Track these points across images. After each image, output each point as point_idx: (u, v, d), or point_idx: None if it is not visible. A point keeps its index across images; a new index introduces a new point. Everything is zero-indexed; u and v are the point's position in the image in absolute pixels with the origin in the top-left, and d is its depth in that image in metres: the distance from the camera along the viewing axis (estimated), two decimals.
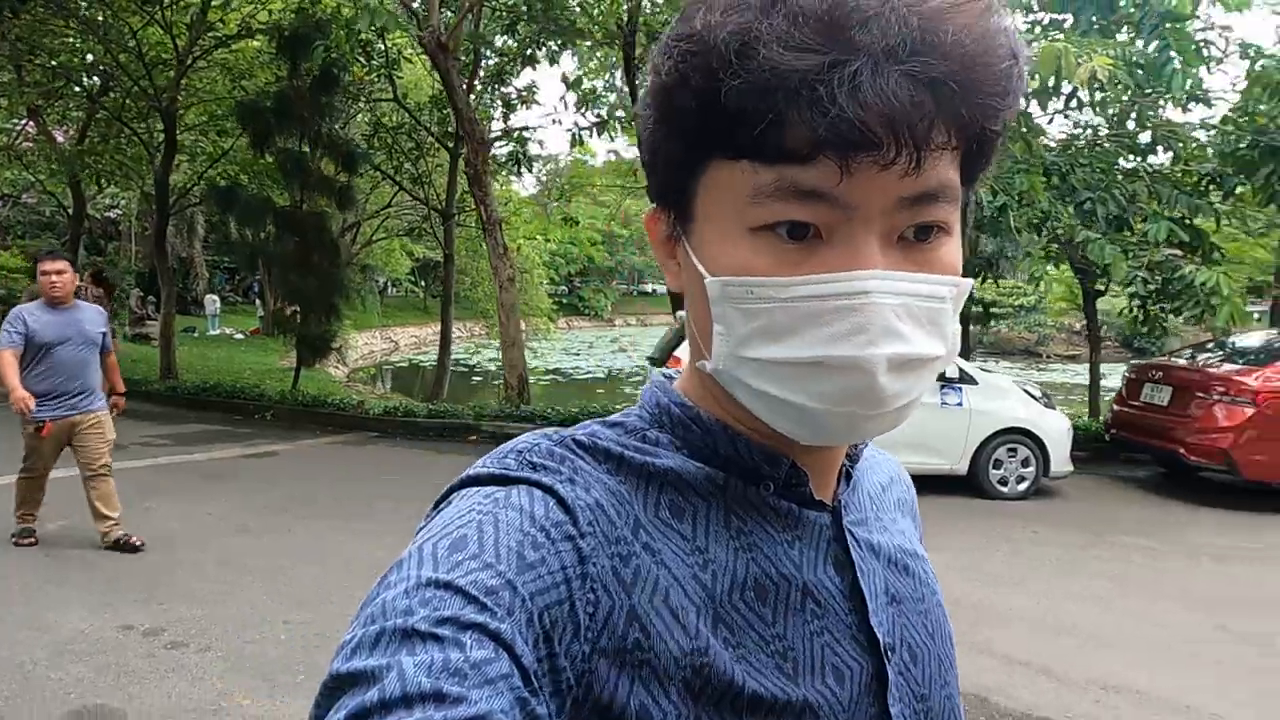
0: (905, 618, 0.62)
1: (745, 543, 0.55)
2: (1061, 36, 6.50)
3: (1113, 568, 5.46)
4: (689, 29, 0.49)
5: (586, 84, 13.22)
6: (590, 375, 24.08)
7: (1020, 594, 4.89)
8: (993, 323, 28.65)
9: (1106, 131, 8.37)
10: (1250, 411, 6.98)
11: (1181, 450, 7.31)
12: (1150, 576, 5.34)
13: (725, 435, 0.58)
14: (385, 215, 19.43)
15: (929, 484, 7.18)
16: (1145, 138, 8.33)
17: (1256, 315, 17.47)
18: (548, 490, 0.51)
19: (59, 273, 4.82)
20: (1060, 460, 7.28)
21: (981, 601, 4.71)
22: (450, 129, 12.93)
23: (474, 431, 9.47)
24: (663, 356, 7.67)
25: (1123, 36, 7.46)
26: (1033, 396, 7.50)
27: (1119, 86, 6.76)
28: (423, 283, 35.64)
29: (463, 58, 11.67)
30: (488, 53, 13.03)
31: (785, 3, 0.46)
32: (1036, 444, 7.22)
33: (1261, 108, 7.76)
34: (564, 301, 44.61)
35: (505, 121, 14.29)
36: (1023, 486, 7.24)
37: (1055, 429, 7.30)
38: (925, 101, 0.45)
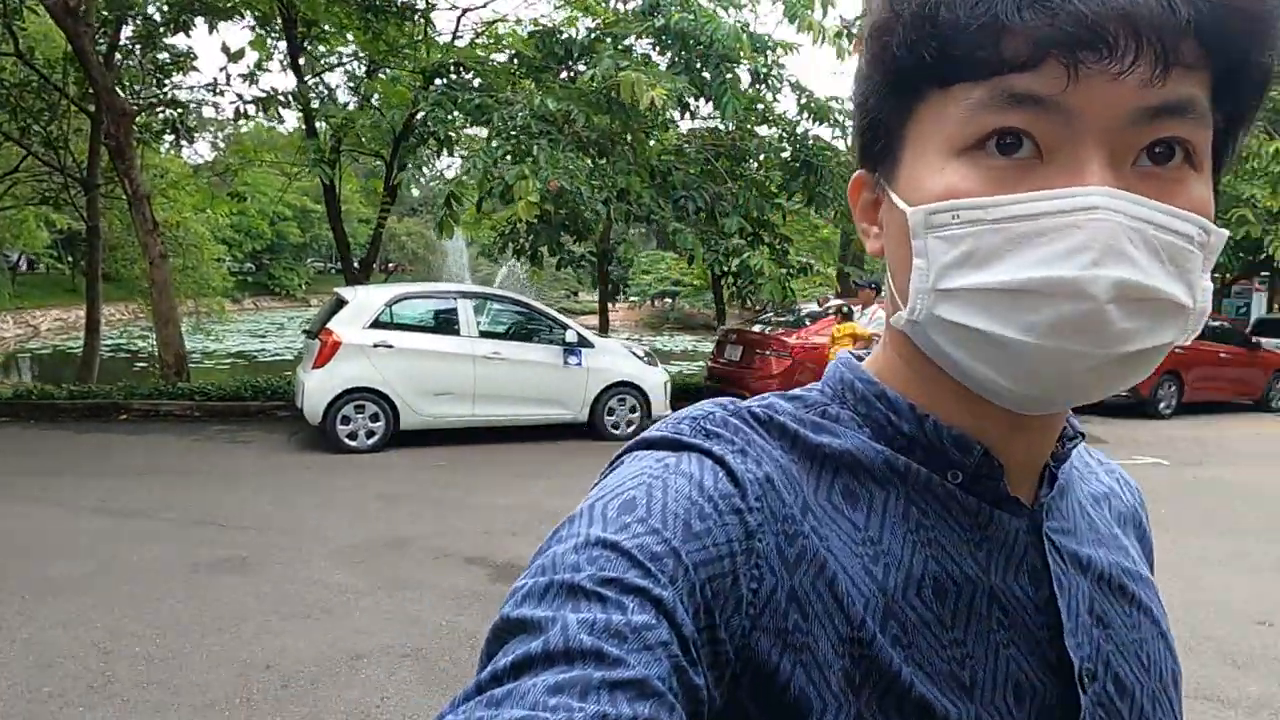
0: (1114, 645, 0.55)
1: (925, 537, 0.51)
2: (645, 67, 8.14)
3: None
4: None
5: (251, 55, 12.96)
6: (278, 358, 23.13)
7: None
8: (679, 299, 32.11)
9: (699, 141, 10.34)
10: (789, 362, 9.31)
11: (746, 393, 9.44)
12: None
13: (912, 414, 0.53)
14: (12, 181, 17.14)
15: (557, 431, 8.64)
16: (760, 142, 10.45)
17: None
18: (718, 460, 0.50)
19: None
20: (659, 406, 9.07)
21: None
22: (90, 90, 12.02)
23: (124, 410, 9.27)
24: (315, 329, 8.25)
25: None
26: (638, 356, 9.23)
27: (678, 108, 8.63)
28: (70, 259, 31.30)
29: (105, 13, 10.96)
30: (133, 14, 12.26)
31: None
32: (640, 394, 8.94)
33: (802, 129, 10.16)
34: (250, 280, 41.53)
35: (159, 87, 13.48)
36: (631, 428, 8.93)
37: (655, 382, 9.08)
38: (1178, 5, 0.41)
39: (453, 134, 9.05)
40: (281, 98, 10.76)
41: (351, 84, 11.85)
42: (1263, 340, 13.28)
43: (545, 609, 0.42)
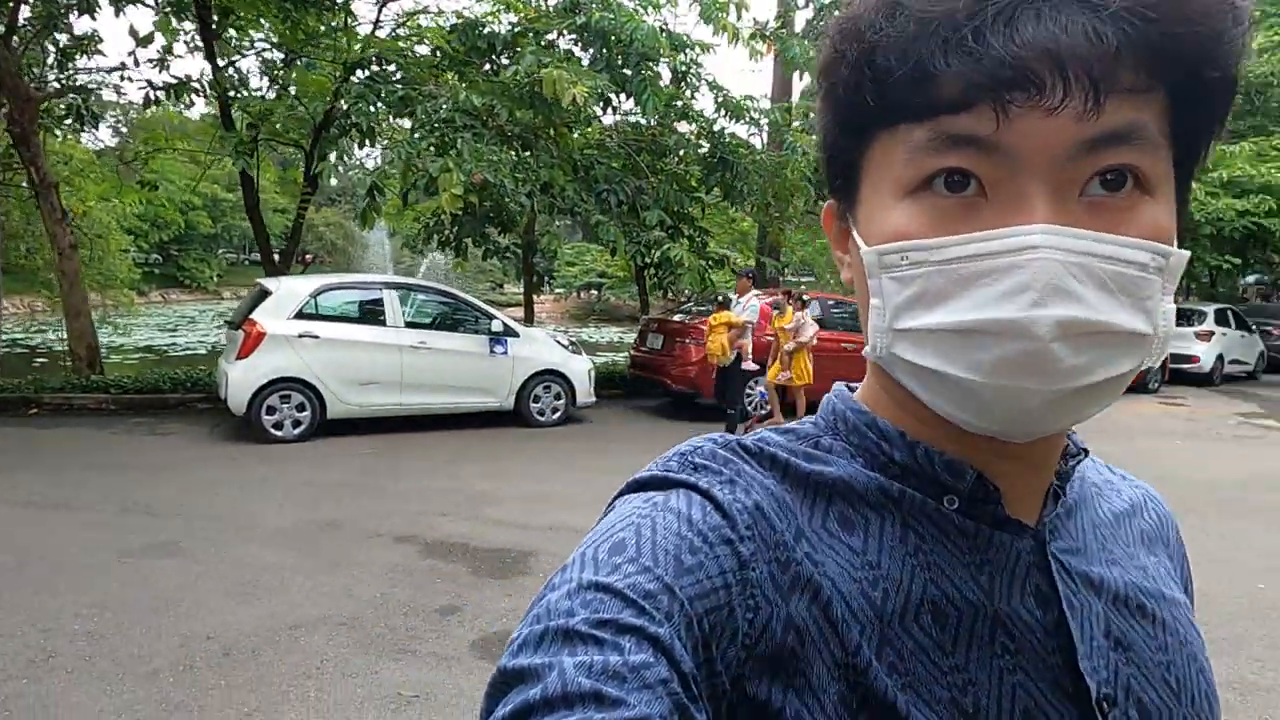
0: (1136, 668, 0.53)
1: (923, 561, 0.51)
2: (567, 63, 8.39)
3: (609, 462, 7.49)
4: (847, 10, 0.48)
5: (160, 40, 12.58)
6: (190, 352, 22.44)
7: (557, 484, 6.63)
8: (604, 290, 32.35)
9: (621, 136, 10.65)
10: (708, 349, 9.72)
11: (667, 380, 9.90)
12: (636, 465, 7.48)
13: (903, 441, 0.53)
14: None
15: (483, 419, 8.86)
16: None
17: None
18: (704, 494, 0.50)
19: None
20: (584, 394, 9.36)
21: (530, 492, 6.35)
22: None
23: (34, 405, 9.04)
24: (238, 320, 8.24)
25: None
26: (562, 345, 9.50)
27: (600, 104, 8.95)
28: None
29: None
30: None
31: None
32: (565, 382, 9.22)
33: (719, 127, 10.57)
34: (157, 272, 39.86)
35: (62, 71, 12.97)
36: (556, 415, 9.20)
37: (579, 370, 9.37)
38: (1105, 36, 0.41)
39: (375, 125, 9.09)
40: (197, 85, 10.57)
41: (267, 72, 11.65)
42: None
43: (541, 656, 0.42)
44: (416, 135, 8.39)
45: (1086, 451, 0.59)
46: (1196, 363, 14.64)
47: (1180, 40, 0.42)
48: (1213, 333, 14.94)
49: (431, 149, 8.02)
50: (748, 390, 9.53)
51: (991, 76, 0.42)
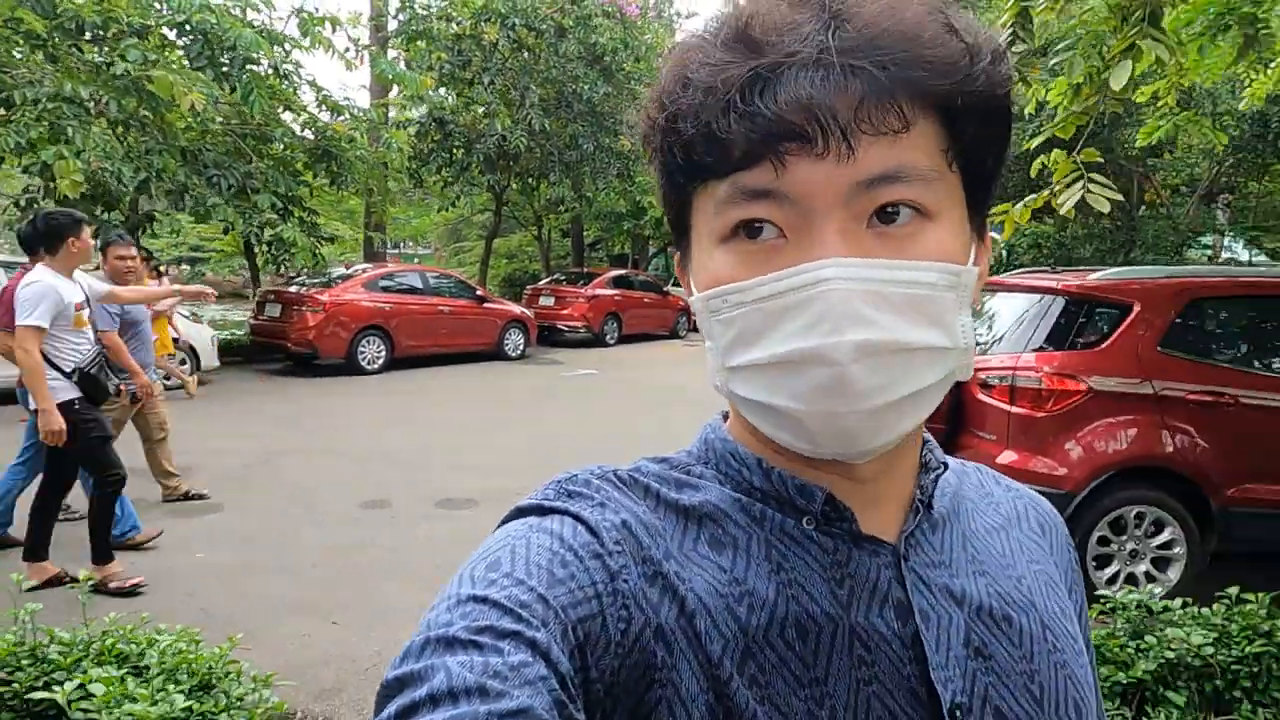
0: (996, 677, 0.56)
1: (786, 578, 0.54)
2: (163, 51, 9.35)
3: (248, 423, 8.90)
4: (657, 84, 0.54)
5: None
6: None
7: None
8: (205, 266, 30.41)
9: (226, 123, 11.62)
10: (323, 315, 11.44)
11: (288, 344, 11.44)
12: (271, 414, 9.02)
13: (760, 468, 0.57)
14: None
15: None
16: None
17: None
18: (575, 516, 0.54)
19: (132, 258, 5.07)
20: (208, 359, 10.48)
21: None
22: None
23: None
24: None
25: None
26: (184, 316, 10.48)
27: (214, 109, 10.09)
28: None
29: None
30: None
31: (721, 30, 0.51)
32: (191, 350, 10.26)
33: (322, 123, 12.14)
34: None
35: None
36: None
37: (203, 338, 10.46)
38: (851, 88, 0.47)
39: None
40: None
41: None
42: (671, 289, 19.07)
43: (425, 661, 0.44)
44: (23, 123, 8.47)
45: (946, 465, 0.62)
46: None
47: (921, 84, 0.48)
48: None
49: (37, 135, 8.44)
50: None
51: (765, 133, 0.48)
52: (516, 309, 14.51)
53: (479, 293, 13.93)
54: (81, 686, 2.15)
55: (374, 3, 16.66)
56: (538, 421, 8.95)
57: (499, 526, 0.56)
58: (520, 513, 0.56)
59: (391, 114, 15.36)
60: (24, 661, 2.32)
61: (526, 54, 15.04)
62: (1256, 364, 4.34)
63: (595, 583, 0.50)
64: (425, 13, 15.04)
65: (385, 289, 12.45)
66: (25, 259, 4.43)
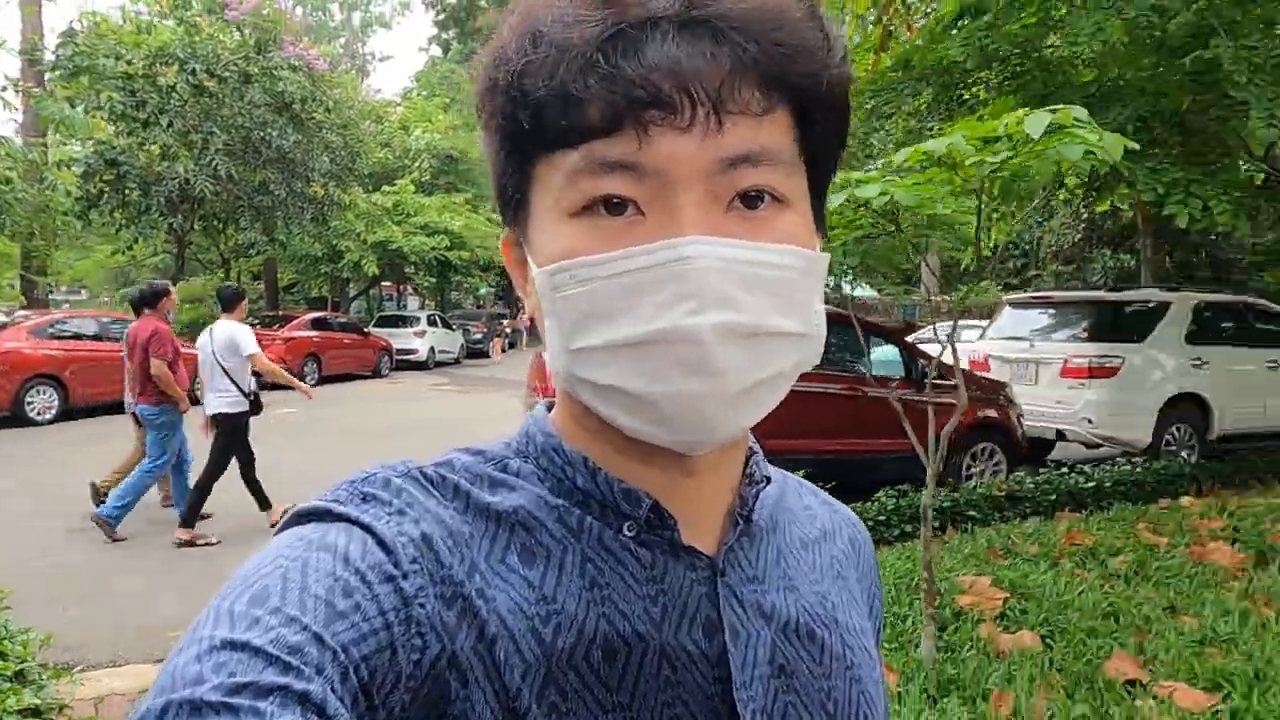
0: (795, 694, 0.55)
1: (599, 595, 0.51)
2: None
3: None
4: (495, 40, 0.50)
5: None
6: None
7: None
8: None
9: None
10: None
11: None
12: None
13: (585, 468, 0.54)
14: None
15: None
16: None
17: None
18: (366, 528, 0.48)
19: None
20: None
21: None
22: None
23: None
24: None
25: None
26: None
27: None
28: None
29: None
30: None
31: None
32: None
33: None
34: None
35: None
36: None
37: None
38: (720, 57, 0.45)
39: None
40: None
41: None
42: (375, 330, 19.57)
43: None
44: None
45: (769, 479, 0.61)
46: (416, 354, 20.51)
47: (785, 65, 0.47)
48: (426, 331, 21.04)
49: None
50: None
51: (626, 97, 0.45)
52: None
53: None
54: None
55: (26, 34, 15.46)
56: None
57: (277, 533, 0.50)
58: (302, 517, 0.50)
59: (51, 153, 14.35)
60: None
61: (208, 98, 14.79)
62: None
63: (385, 611, 0.45)
64: (89, 49, 14.29)
65: (54, 336, 11.79)
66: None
